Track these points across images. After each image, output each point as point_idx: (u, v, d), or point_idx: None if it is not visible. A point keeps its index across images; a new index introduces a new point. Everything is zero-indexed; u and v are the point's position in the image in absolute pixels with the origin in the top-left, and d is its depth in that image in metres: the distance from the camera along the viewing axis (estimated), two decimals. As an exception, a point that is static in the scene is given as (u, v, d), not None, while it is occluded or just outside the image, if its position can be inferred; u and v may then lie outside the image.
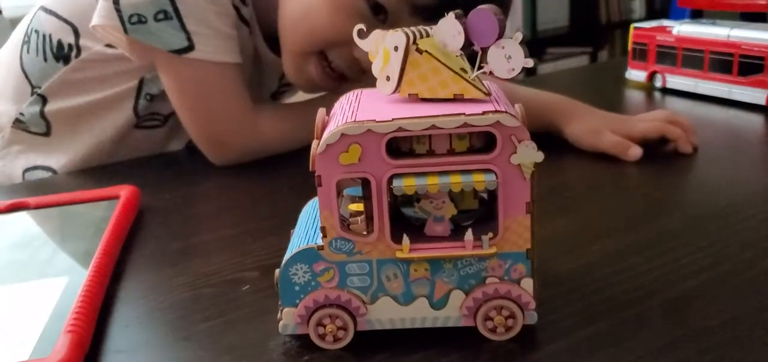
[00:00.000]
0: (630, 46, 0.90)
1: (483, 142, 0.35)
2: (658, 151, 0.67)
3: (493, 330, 0.37)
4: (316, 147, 0.35)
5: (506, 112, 0.33)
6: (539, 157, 0.34)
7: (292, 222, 0.42)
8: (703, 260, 0.44)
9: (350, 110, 0.36)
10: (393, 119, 0.33)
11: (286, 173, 0.70)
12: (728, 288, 0.41)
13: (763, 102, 0.76)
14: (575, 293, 0.41)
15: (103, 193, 0.60)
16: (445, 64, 0.35)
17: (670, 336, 0.36)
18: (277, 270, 0.37)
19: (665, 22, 0.92)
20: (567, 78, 1.10)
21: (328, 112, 0.38)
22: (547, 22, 3.22)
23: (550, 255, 0.46)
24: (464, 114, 0.33)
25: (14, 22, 2.56)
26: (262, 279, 0.46)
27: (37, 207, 0.60)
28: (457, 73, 0.35)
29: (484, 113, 0.33)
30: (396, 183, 0.34)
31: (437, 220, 0.36)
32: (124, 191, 0.59)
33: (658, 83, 0.88)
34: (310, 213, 0.41)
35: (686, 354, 0.35)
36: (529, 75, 3.17)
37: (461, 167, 0.34)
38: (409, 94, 0.36)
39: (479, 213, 0.37)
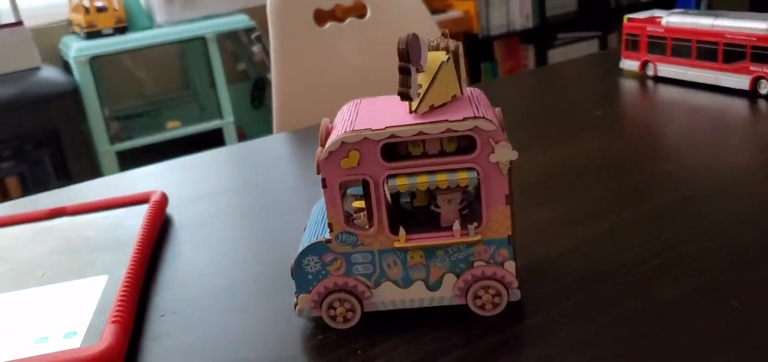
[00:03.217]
0: (623, 37, 0.95)
1: (465, 144, 0.40)
2: (648, 135, 0.72)
3: (483, 307, 0.42)
4: (321, 153, 0.40)
5: (483, 117, 0.39)
6: (514, 155, 0.39)
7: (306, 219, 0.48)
8: (669, 240, 0.49)
9: (350, 119, 0.41)
10: (386, 127, 0.39)
11: (293, 177, 0.75)
12: (687, 266, 0.45)
13: (746, 87, 0.80)
14: (554, 273, 0.46)
15: (134, 198, 0.66)
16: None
17: (635, 307, 0.41)
18: (292, 262, 0.43)
19: (656, 12, 0.96)
20: (569, 69, 1.14)
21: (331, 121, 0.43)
22: (556, 7, 3.24)
23: (533, 241, 0.51)
24: (448, 120, 0.39)
25: (35, 33, 2.62)
26: (284, 270, 0.52)
27: (75, 213, 0.66)
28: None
29: (464, 119, 0.38)
30: (391, 182, 0.39)
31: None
32: (154, 195, 0.65)
33: (650, 72, 0.92)
34: (319, 211, 0.47)
35: (646, 322, 0.40)
36: (539, 64, 3.19)
37: (447, 167, 0.39)
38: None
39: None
